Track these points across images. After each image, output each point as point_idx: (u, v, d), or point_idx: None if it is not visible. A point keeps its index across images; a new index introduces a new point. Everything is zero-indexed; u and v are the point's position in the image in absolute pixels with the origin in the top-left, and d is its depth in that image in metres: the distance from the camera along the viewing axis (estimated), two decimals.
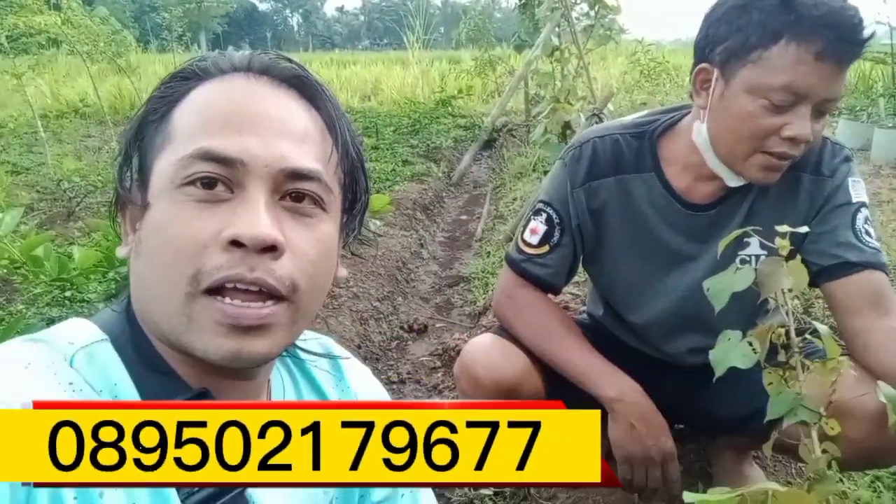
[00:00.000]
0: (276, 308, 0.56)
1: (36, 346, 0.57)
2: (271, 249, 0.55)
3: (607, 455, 1.37)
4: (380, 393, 0.83)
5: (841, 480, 1.47)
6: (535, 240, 1.34)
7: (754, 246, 1.24)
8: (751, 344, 0.91)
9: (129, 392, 0.57)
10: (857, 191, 1.20)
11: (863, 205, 1.20)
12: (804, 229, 0.95)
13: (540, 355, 1.33)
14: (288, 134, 0.59)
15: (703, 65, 1.14)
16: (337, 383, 0.78)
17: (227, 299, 0.55)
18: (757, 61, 1.06)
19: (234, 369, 0.61)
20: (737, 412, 1.29)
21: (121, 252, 0.63)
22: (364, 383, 0.81)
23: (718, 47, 1.11)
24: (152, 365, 0.59)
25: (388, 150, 6.03)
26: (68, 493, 0.48)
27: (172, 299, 0.55)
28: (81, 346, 0.57)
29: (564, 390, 1.33)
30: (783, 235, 0.89)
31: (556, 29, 5.27)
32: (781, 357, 0.92)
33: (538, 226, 1.34)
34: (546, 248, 1.33)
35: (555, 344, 1.31)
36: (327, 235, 0.62)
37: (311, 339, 0.78)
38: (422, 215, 4.36)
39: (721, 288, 0.96)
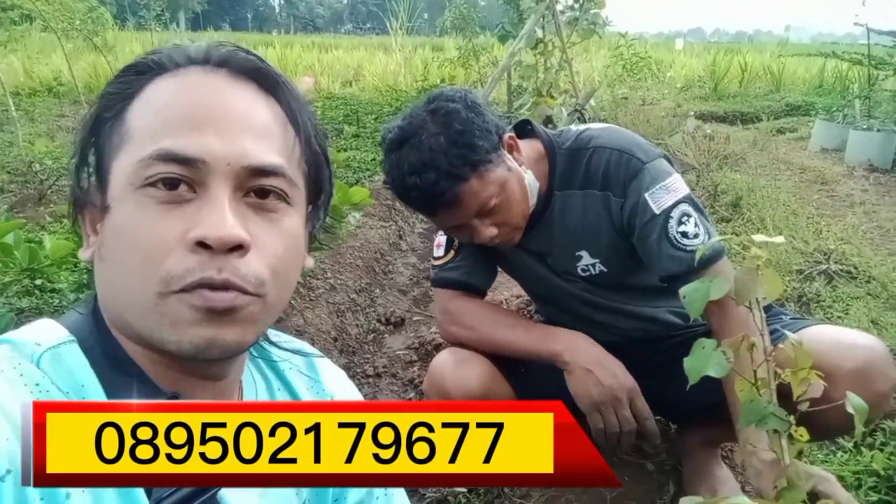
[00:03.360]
0: (244, 297, 0.56)
1: (2, 347, 0.56)
2: (237, 248, 0.55)
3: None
4: (352, 394, 0.83)
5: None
6: (440, 252, 1.48)
7: (586, 258, 1.38)
8: (724, 353, 0.93)
9: (97, 394, 0.56)
10: (660, 199, 1.25)
11: (673, 207, 1.24)
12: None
13: (492, 350, 1.40)
14: (249, 129, 0.58)
15: None
16: (312, 385, 0.78)
17: (197, 292, 0.55)
18: None
19: (205, 369, 0.61)
20: (706, 399, 1.32)
21: (83, 255, 0.62)
22: (338, 386, 0.81)
23: None
24: (121, 367, 0.59)
25: (368, 138, 5.98)
26: (33, 493, 0.48)
27: (143, 300, 0.55)
28: (48, 347, 0.57)
29: (530, 383, 1.38)
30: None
31: (541, 21, 5.26)
32: (753, 366, 0.94)
33: (440, 239, 1.48)
34: (451, 253, 1.46)
35: (498, 332, 1.38)
36: (293, 229, 0.62)
37: (284, 341, 0.78)
38: (401, 206, 4.34)
39: (696, 297, 0.97)
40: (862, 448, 1.66)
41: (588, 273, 1.40)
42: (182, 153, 0.55)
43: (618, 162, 1.28)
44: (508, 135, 1.30)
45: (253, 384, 0.73)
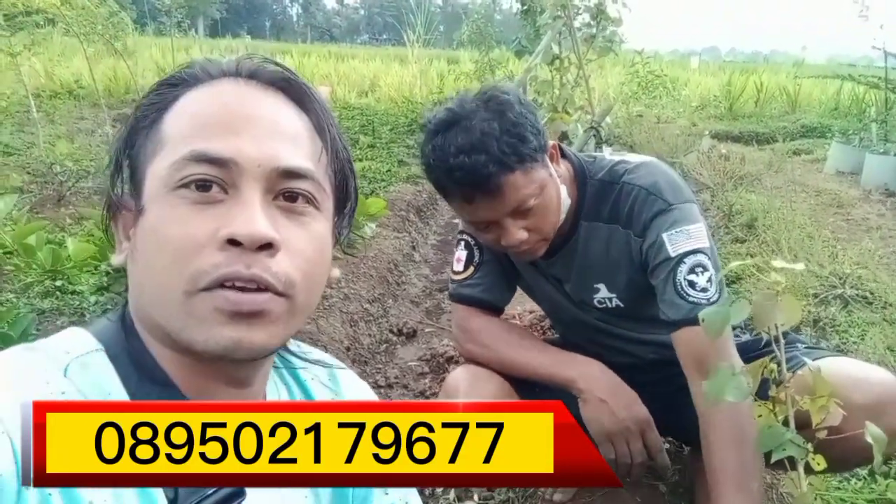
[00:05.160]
0: (273, 298, 0.57)
1: (31, 356, 0.57)
2: (267, 247, 0.56)
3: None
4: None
5: None
6: (460, 267, 1.46)
7: (603, 291, 1.38)
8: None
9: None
10: (677, 242, 1.23)
11: (686, 255, 1.22)
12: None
13: (507, 370, 1.39)
14: (279, 134, 0.60)
15: None
16: (334, 397, 0.78)
17: (226, 292, 0.56)
18: (448, 203, 1.31)
19: (233, 371, 0.62)
20: None
21: (116, 260, 0.63)
22: (360, 397, 0.82)
23: None
24: (148, 375, 0.60)
25: (384, 149, 6.01)
26: (54, 492, 0.48)
27: (172, 299, 0.56)
28: (76, 356, 0.58)
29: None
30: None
31: (558, 37, 5.28)
32: (772, 392, 0.94)
33: (460, 254, 1.47)
34: (471, 269, 1.45)
35: (514, 353, 1.38)
36: (321, 234, 0.63)
37: (306, 351, 0.79)
38: (415, 217, 4.35)
39: (716, 319, 0.98)
40: (877, 476, 1.64)
41: (604, 305, 1.40)
42: (215, 154, 0.57)
43: (644, 201, 1.26)
44: (553, 143, 1.29)
45: (276, 394, 0.73)
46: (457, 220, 1.50)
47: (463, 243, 1.46)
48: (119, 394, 0.57)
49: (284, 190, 0.60)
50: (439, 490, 1.63)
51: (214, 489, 0.57)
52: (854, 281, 2.90)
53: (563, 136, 4.78)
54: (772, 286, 0.92)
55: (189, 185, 0.56)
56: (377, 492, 0.78)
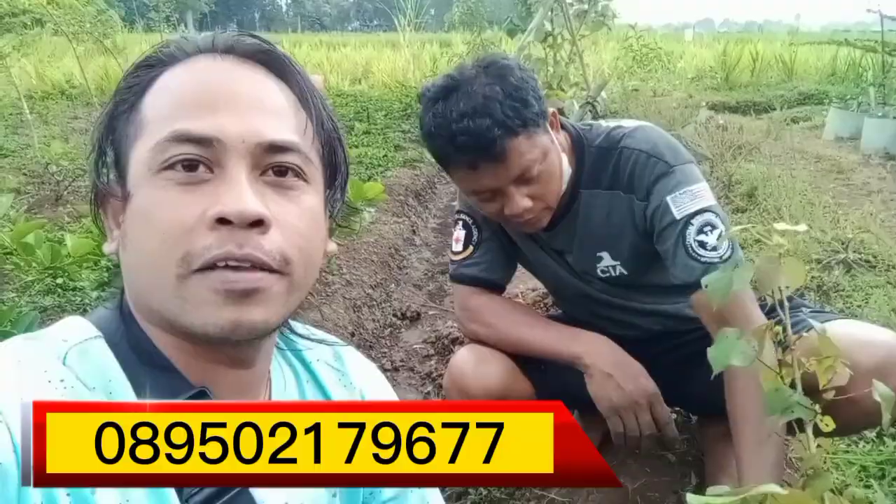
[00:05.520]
0: (269, 276, 0.56)
1: (30, 344, 0.57)
2: (258, 224, 0.55)
3: (600, 445, 1.39)
4: (381, 385, 0.82)
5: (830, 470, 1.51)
6: (459, 247, 1.45)
7: (607, 259, 1.37)
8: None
9: (123, 388, 0.56)
10: (683, 204, 1.22)
11: (693, 216, 1.21)
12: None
13: (512, 348, 1.39)
14: (261, 108, 0.59)
15: None
16: (340, 378, 0.77)
17: (220, 272, 0.55)
18: (449, 174, 1.28)
19: (234, 353, 0.61)
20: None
21: (108, 248, 0.62)
22: (366, 378, 0.80)
23: None
24: (149, 360, 0.59)
25: (379, 134, 5.99)
26: (61, 492, 0.48)
27: (165, 284, 0.55)
28: (75, 344, 0.57)
29: (550, 383, 1.38)
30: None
31: (549, 14, 5.23)
32: (778, 354, 0.93)
33: (458, 234, 1.45)
34: (470, 248, 1.43)
35: (518, 331, 1.37)
36: (312, 207, 0.62)
37: (309, 332, 0.78)
38: (414, 201, 4.34)
39: (719, 286, 0.97)
40: (885, 438, 1.65)
41: (607, 274, 1.38)
42: (197, 133, 0.55)
43: (644, 164, 1.25)
44: (552, 110, 1.27)
45: (282, 376, 0.73)
46: (455, 203, 1.48)
47: (461, 223, 1.45)
48: (119, 379, 0.57)
49: (271, 164, 0.58)
50: None
51: None
52: (857, 245, 2.89)
53: (560, 112, 4.76)
54: (774, 249, 0.91)
55: (174, 165, 0.55)
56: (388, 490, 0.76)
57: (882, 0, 6.51)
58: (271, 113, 0.59)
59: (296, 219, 0.59)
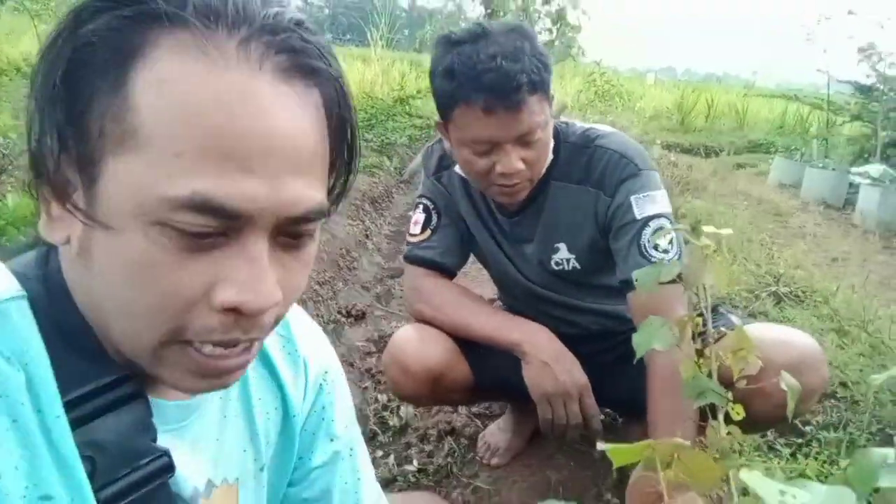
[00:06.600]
0: (255, 346, 0.52)
1: None
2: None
3: (535, 431, 1.42)
4: (325, 353, 0.79)
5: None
6: (417, 229, 1.49)
7: (563, 251, 1.42)
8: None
9: (40, 362, 0.49)
10: (643, 206, 1.29)
11: (651, 218, 1.28)
12: None
13: (454, 331, 1.42)
14: (296, 165, 0.48)
15: (438, 120, 1.30)
16: (285, 344, 0.73)
17: (206, 348, 0.49)
18: (453, 120, 1.24)
19: None
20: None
21: (53, 237, 0.51)
22: (311, 345, 0.77)
23: (438, 107, 1.28)
24: (72, 339, 0.51)
25: None
26: None
27: (143, 341, 0.49)
28: None
29: (488, 367, 1.41)
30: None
31: None
32: (697, 345, 0.99)
33: (418, 216, 1.49)
34: (428, 232, 1.48)
35: (462, 315, 1.41)
36: (314, 250, 0.55)
37: None
38: (370, 207, 4.36)
39: (648, 279, 1.03)
40: (798, 456, 1.74)
41: (560, 267, 1.43)
42: (226, 206, 0.45)
43: (616, 163, 1.31)
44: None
45: None
46: (412, 214, 1.51)
47: (422, 206, 1.49)
48: (38, 352, 0.49)
49: (291, 232, 0.51)
50: (379, 454, 1.65)
51: (146, 460, 0.53)
52: (787, 280, 3.03)
53: None
54: (701, 249, 0.97)
55: (183, 231, 0.45)
56: (322, 439, 0.75)
57: (831, 63, 6.92)
58: (304, 167, 0.49)
59: (300, 278, 0.53)
